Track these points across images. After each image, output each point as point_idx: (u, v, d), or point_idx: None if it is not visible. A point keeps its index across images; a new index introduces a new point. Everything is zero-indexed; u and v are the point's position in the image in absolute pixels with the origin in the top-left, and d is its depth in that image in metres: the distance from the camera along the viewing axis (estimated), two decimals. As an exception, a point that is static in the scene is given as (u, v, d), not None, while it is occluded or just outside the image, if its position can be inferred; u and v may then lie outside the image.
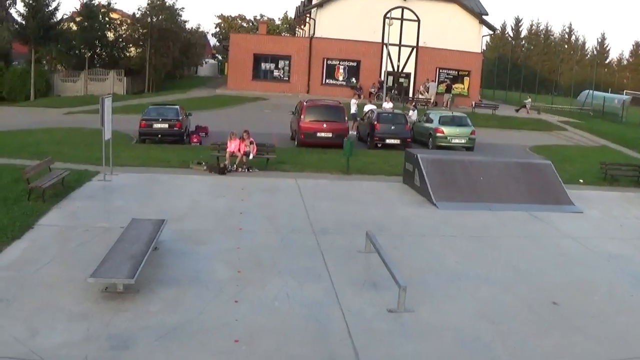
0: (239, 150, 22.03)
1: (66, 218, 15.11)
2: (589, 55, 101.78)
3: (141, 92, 55.57)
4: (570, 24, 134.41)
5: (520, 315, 10.77)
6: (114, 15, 58.51)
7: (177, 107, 30.32)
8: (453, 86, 53.01)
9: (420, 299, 11.15)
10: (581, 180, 23.23)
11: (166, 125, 28.46)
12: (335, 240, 14.43)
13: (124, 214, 15.11)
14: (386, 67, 50.03)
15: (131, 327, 9.65)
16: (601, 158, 27.30)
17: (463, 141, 30.61)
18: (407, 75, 53.57)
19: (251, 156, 22.16)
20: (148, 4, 57.13)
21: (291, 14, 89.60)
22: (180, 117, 28.99)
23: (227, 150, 22.05)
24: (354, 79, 52.52)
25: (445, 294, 11.59)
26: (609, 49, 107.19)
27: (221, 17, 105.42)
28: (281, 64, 53.33)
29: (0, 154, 22.41)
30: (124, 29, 59.17)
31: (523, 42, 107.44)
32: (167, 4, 58.60)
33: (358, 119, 34.34)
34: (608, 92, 62.59)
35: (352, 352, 9.31)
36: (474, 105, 49.19)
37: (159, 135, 28.43)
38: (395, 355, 9.28)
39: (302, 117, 28.97)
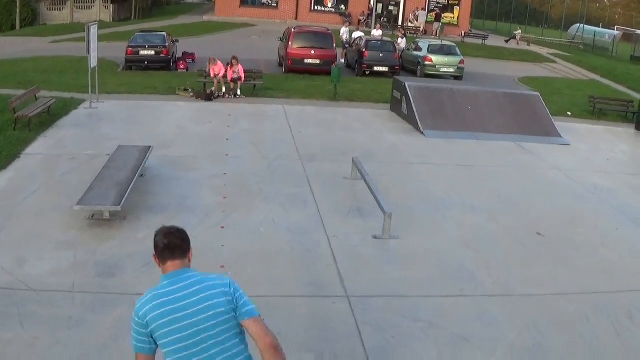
0: (226, 75, 21.81)
1: (52, 146, 14.98)
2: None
3: (127, 19, 54.81)
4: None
5: (504, 244, 10.80)
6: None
7: (163, 33, 29.93)
8: (443, 15, 52.50)
9: (406, 226, 11.15)
10: (569, 113, 23.16)
11: (153, 52, 28.11)
12: (321, 166, 14.41)
13: (111, 141, 14.99)
14: (376, -6, 49.47)
15: (118, 254, 9.64)
16: (590, 92, 27.17)
17: (452, 70, 30.44)
18: (397, 4, 53.03)
19: (239, 83, 21.95)
20: None
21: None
22: (167, 44, 28.64)
23: (212, 75, 21.83)
24: (343, 6, 51.90)
25: (431, 222, 11.61)
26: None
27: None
28: (270, -10, 52.69)
29: (-15, 84, 22.14)
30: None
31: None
32: None
33: (347, 46, 34.04)
34: (599, 27, 62.08)
35: (337, 277, 9.34)
36: (463, 34, 48.84)
37: (146, 62, 28.10)
38: (380, 280, 9.31)
39: (290, 43, 28.71)
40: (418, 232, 11.05)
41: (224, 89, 21.68)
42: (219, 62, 22.01)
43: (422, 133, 18.15)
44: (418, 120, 18.62)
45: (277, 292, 8.80)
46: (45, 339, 7.44)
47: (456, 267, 9.84)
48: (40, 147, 14.80)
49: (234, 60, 22.13)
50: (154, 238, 4.79)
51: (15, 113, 16.04)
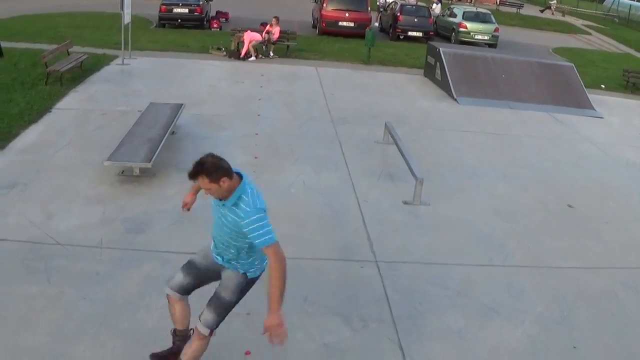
0: (262, 37, 21.62)
1: (84, 102, 14.90)
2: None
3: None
4: None
5: (535, 215, 10.60)
6: None
7: (198, -9, 29.72)
8: (478, -18, 51.83)
9: (437, 192, 11.00)
10: (603, 86, 22.73)
11: (186, 10, 27.93)
12: (353, 130, 14.24)
13: (142, 98, 14.93)
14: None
15: (147, 211, 9.57)
16: (624, 65, 26.64)
17: (486, 37, 30.06)
18: (433, -31, 52.25)
19: (272, 46, 21.76)
20: None
21: None
22: (201, 2, 28.43)
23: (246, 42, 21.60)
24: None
25: (462, 189, 11.42)
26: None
27: None
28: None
29: (18, 38, 22.09)
30: None
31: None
32: None
33: (382, 10, 33.70)
34: (635, 1, 60.92)
35: (366, 242, 9.22)
36: (498, 3, 48.27)
37: (179, 20, 27.95)
38: (409, 246, 9.18)
39: (324, 5, 28.48)
40: (449, 200, 10.87)
41: (257, 51, 21.47)
42: (252, 32, 21.73)
43: (455, 100, 17.93)
44: (451, 87, 18.39)
45: (306, 254, 8.70)
46: (71, 294, 7.39)
47: (486, 236, 9.67)
48: (71, 102, 14.74)
49: (274, 20, 21.93)
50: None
51: (47, 68, 16.00)
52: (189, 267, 5.87)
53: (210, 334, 5.60)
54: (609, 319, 7.84)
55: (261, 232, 5.13)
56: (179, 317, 6.01)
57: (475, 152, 13.49)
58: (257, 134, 13.36)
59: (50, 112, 13.87)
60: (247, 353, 6.58)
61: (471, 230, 9.83)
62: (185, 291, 5.90)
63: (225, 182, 5.19)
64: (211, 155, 5.31)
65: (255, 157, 11.98)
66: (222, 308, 5.60)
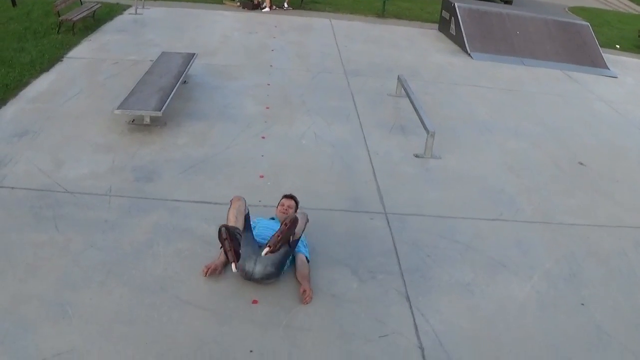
0: None
1: (95, 51, 14.69)
2: None
3: None
4: None
5: (546, 172, 10.42)
6: None
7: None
8: None
9: (448, 146, 10.84)
10: (617, 46, 22.31)
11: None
12: (366, 82, 14.03)
13: (154, 47, 14.76)
14: None
15: (156, 160, 9.45)
16: None
17: (501, -6, 29.54)
18: None
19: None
20: None
21: None
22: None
23: None
24: None
25: (474, 144, 11.25)
26: None
27: None
28: None
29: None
30: None
31: None
32: None
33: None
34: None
35: (376, 194, 9.11)
36: (514, -42, 47.34)
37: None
38: (419, 200, 9.06)
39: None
40: (460, 154, 10.71)
41: (271, 2, 21.22)
42: None
43: (469, 55, 17.67)
44: (466, 42, 18.13)
45: (316, 204, 8.57)
46: (79, 241, 7.32)
47: (497, 191, 9.53)
48: (83, 51, 14.55)
49: None
50: None
51: (59, 17, 15.80)
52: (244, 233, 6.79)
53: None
54: (618, 277, 7.71)
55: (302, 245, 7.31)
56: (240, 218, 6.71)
57: (488, 108, 13.28)
58: (269, 85, 13.17)
59: (61, 61, 13.70)
60: (254, 302, 6.52)
61: (482, 185, 9.68)
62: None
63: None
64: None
65: (267, 108, 11.81)
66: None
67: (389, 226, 8.26)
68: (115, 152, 9.59)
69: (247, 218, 6.81)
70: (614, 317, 6.95)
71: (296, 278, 6.85)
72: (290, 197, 7.71)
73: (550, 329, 6.64)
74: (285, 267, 6.91)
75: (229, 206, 6.73)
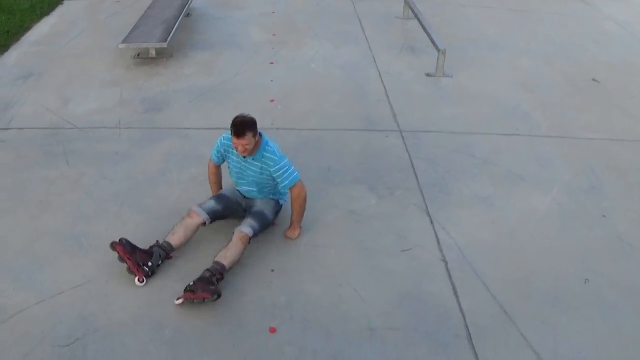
0: None
1: (96, -10, 14.38)
2: None
3: None
4: None
5: (560, 88, 10.11)
6: None
7: None
8: None
9: (459, 65, 10.55)
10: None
11: None
12: (372, 5, 13.68)
13: (156, -18, 14.43)
14: None
15: (165, 90, 9.25)
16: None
17: None
18: None
19: None
20: None
21: None
22: None
23: None
24: None
25: (485, 62, 10.93)
26: None
27: None
28: None
29: None
30: None
31: None
32: None
33: None
34: None
35: (389, 112, 8.88)
36: None
37: None
38: (433, 117, 8.83)
39: None
40: (471, 72, 10.42)
41: None
42: None
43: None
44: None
45: (329, 125, 8.40)
46: (91, 174, 7.17)
47: (511, 107, 9.27)
48: (84, -8, 14.25)
49: None
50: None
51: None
52: (219, 196, 6.16)
53: (250, 239, 5.76)
54: (638, 190, 7.47)
55: (288, 172, 5.82)
56: (181, 235, 5.83)
57: (497, 27, 12.91)
58: (273, 13, 12.88)
59: (62, 4, 13.37)
60: (274, 223, 6.37)
61: (495, 102, 9.42)
62: (212, 214, 5.97)
63: (257, 137, 5.70)
64: (243, 114, 5.67)
65: (273, 34, 11.55)
66: (263, 221, 5.96)
67: (404, 143, 8.06)
68: (123, 86, 9.37)
69: (221, 197, 6.17)
70: (635, 228, 6.74)
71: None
72: (239, 131, 5.55)
73: (573, 241, 6.46)
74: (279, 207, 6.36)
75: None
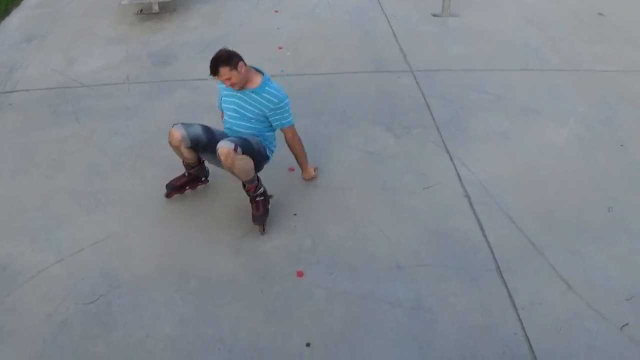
0: None
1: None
2: None
3: None
4: None
5: (567, 23, 9.87)
6: None
7: None
8: None
9: (464, 3, 10.32)
10: None
11: None
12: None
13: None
14: None
15: (171, 44, 9.07)
16: None
17: None
18: None
19: None
20: None
21: None
22: None
23: None
24: None
25: (490, 0, 10.70)
26: None
27: None
28: None
29: None
30: None
31: None
32: None
33: None
34: None
35: (399, 53, 8.68)
36: None
37: None
38: (443, 56, 8.64)
39: None
40: (478, 10, 10.18)
41: None
42: None
43: None
44: None
45: (340, 69, 8.22)
46: (103, 130, 7.03)
47: (520, 43, 9.06)
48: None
49: None
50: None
51: None
52: (207, 129, 5.65)
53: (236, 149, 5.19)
54: (654, 120, 7.31)
55: (287, 114, 5.55)
56: (189, 155, 5.68)
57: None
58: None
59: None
60: (291, 169, 6.24)
61: (504, 38, 9.21)
62: (194, 140, 5.52)
63: (242, 67, 5.31)
64: (222, 49, 5.43)
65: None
66: (244, 143, 5.34)
67: (417, 82, 7.88)
68: (128, 42, 9.18)
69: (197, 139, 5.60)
70: (653, 156, 6.59)
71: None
72: (212, 70, 5.34)
73: (593, 170, 6.34)
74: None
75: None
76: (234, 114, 5.58)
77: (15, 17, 10.39)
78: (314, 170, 6.11)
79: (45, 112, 7.46)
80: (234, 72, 5.27)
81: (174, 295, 4.91)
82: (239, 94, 5.52)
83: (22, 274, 5.13)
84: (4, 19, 10.31)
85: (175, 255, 5.29)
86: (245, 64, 5.37)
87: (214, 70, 5.27)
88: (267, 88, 5.44)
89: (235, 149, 5.11)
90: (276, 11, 10.10)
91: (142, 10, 10.07)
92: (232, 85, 5.37)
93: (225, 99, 5.64)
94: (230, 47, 5.23)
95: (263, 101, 5.44)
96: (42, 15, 10.39)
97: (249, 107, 5.48)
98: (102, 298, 4.89)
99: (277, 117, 5.52)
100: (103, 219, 5.71)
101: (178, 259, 5.25)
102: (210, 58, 5.24)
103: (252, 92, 5.44)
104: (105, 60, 8.67)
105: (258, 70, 5.55)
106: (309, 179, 6.08)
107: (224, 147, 5.09)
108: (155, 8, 9.96)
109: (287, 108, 5.53)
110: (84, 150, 6.70)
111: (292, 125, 5.66)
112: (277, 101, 5.44)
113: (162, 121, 7.07)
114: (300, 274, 5.05)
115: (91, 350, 4.49)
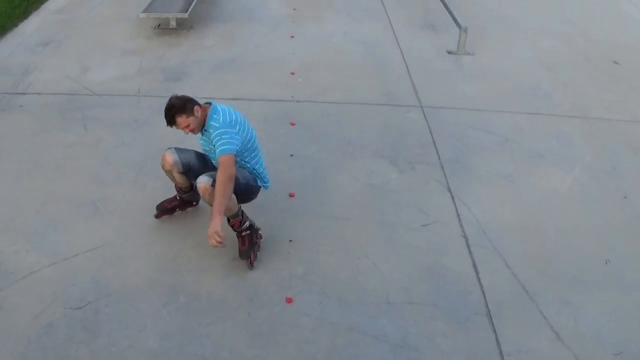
0: None
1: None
2: None
3: None
4: None
5: (580, 68, 9.84)
6: None
7: None
8: None
9: (480, 43, 10.31)
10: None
11: None
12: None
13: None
14: None
15: (185, 61, 9.11)
16: None
17: None
18: None
19: None
20: None
21: None
22: None
23: None
24: None
25: (505, 41, 10.68)
26: None
27: None
28: None
29: None
30: None
31: None
32: None
33: None
34: None
35: (411, 89, 8.67)
36: None
37: None
38: (454, 94, 8.63)
39: None
40: (493, 50, 10.18)
41: None
42: None
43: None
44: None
45: (350, 99, 8.23)
46: (110, 140, 7.05)
47: (532, 86, 9.04)
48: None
49: None
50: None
51: None
52: (202, 156, 5.61)
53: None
54: (660, 172, 7.25)
55: (223, 142, 5.01)
56: (180, 180, 5.65)
57: (516, 7, 12.60)
58: (294, -13, 12.70)
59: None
60: (291, 195, 6.22)
61: (517, 80, 9.19)
62: (186, 166, 5.49)
63: (198, 111, 5.11)
64: (173, 96, 5.22)
65: (294, 9, 11.36)
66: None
67: (426, 118, 7.87)
68: (143, 55, 9.23)
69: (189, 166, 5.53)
70: (657, 209, 6.52)
71: None
72: (168, 121, 5.22)
73: (595, 220, 6.26)
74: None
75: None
76: (209, 154, 5.50)
77: (34, 21, 10.49)
78: (218, 220, 4.82)
79: (54, 116, 7.50)
80: (191, 119, 5.08)
81: (161, 309, 4.88)
82: (202, 136, 5.37)
83: (14, 273, 5.15)
84: (22, 21, 10.37)
85: (167, 269, 5.28)
86: (200, 106, 5.17)
87: (171, 120, 5.11)
88: (211, 122, 5.13)
89: (212, 185, 4.92)
90: (292, 37, 10.13)
91: (159, 24, 10.12)
92: (192, 131, 5.16)
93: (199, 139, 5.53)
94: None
95: (211, 137, 5.15)
96: (61, 21, 10.48)
97: (212, 146, 5.21)
98: (91, 305, 4.88)
99: (217, 144, 5.05)
100: (100, 227, 5.71)
101: (169, 274, 5.23)
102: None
103: (205, 131, 5.25)
104: (118, 71, 8.71)
105: (208, 104, 5.30)
106: (209, 232, 4.82)
107: (202, 182, 5.01)
108: (173, 24, 10.01)
109: (224, 136, 5.03)
110: (89, 158, 6.72)
111: (226, 154, 4.99)
112: (213, 132, 5.08)
113: (168, 137, 6.99)
114: (289, 300, 5.01)
115: (74, 355, 4.48)
